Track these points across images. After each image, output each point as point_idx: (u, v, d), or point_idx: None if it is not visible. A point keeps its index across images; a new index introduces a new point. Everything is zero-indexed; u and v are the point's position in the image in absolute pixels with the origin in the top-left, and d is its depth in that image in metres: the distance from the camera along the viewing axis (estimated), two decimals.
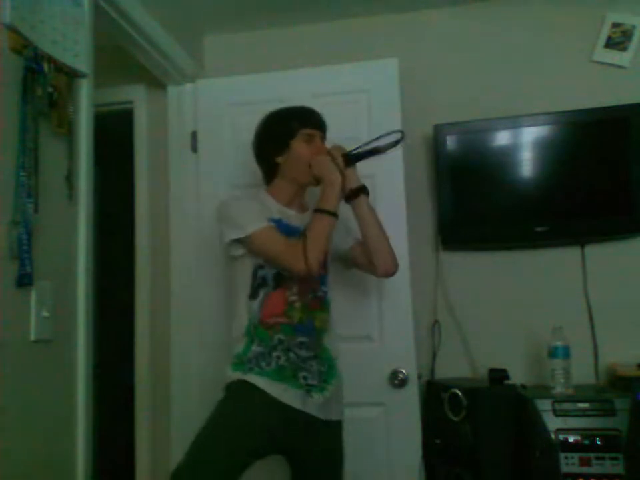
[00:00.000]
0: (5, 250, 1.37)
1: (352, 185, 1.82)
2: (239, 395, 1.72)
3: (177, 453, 2.30)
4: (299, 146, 1.82)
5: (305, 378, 1.74)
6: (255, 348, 1.74)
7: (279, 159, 1.84)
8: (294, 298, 1.76)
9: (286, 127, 1.84)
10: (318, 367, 1.78)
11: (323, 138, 1.88)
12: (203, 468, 1.59)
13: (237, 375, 1.73)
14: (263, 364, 1.72)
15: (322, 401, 1.76)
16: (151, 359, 2.53)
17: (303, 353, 1.76)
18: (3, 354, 1.35)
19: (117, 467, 2.85)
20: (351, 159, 1.80)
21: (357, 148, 1.81)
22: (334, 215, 1.72)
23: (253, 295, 1.77)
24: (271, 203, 1.84)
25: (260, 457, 1.69)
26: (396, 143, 1.77)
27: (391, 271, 1.93)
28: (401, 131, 1.79)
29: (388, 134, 1.78)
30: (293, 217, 1.85)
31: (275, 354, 1.73)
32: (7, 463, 1.34)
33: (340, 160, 1.76)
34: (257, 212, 1.77)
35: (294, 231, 1.78)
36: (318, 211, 1.73)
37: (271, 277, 1.77)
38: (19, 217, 1.40)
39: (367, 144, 1.80)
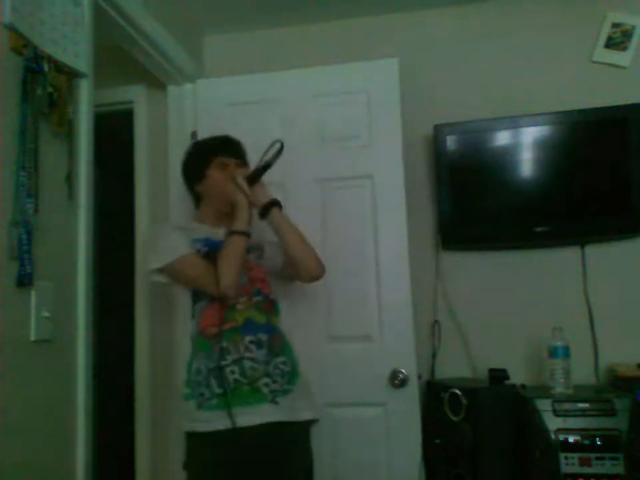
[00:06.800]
0: (4, 250, 1.37)
1: (262, 201, 1.86)
2: (197, 455, 1.74)
3: (177, 453, 2.31)
4: (213, 174, 1.90)
5: (266, 385, 1.74)
6: (202, 364, 1.73)
7: (199, 188, 1.94)
8: (234, 302, 1.77)
9: (202, 156, 1.94)
10: (282, 367, 1.78)
11: (242, 165, 1.92)
12: None
13: (187, 423, 1.74)
14: (214, 384, 1.71)
15: (288, 403, 1.76)
16: (150, 359, 2.53)
17: (260, 355, 1.75)
18: (3, 354, 1.35)
19: (117, 468, 2.85)
20: (252, 178, 1.85)
21: (256, 167, 1.86)
22: (244, 233, 1.77)
23: (193, 314, 1.79)
24: (200, 228, 1.89)
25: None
26: (278, 152, 1.81)
27: (317, 275, 1.94)
28: (280, 141, 1.82)
29: (272, 146, 1.83)
30: (222, 235, 1.85)
31: (228, 369, 1.72)
32: (6, 463, 1.33)
33: (242, 182, 1.81)
34: (179, 241, 1.78)
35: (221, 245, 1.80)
36: (230, 233, 1.78)
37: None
38: (19, 217, 1.40)
39: (260, 161, 1.85)
